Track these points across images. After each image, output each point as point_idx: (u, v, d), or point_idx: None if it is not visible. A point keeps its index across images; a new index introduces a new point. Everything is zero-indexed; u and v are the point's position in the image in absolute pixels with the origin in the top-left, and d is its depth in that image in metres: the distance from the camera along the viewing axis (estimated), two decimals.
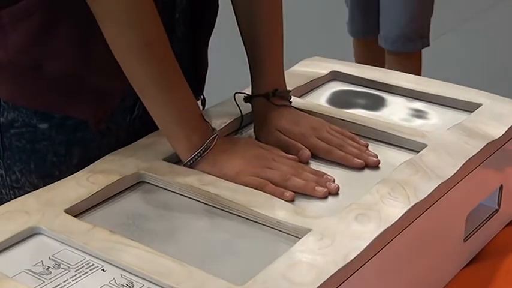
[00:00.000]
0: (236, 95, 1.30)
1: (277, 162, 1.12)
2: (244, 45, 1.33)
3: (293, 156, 1.16)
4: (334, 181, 1.08)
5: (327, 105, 1.30)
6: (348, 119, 1.22)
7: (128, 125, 1.31)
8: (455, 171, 1.05)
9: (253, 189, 1.04)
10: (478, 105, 1.26)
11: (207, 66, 1.46)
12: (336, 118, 1.23)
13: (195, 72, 1.55)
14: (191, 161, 1.11)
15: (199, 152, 1.11)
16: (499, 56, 4.09)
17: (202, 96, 1.72)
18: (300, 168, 1.12)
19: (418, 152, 1.12)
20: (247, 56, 1.33)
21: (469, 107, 1.27)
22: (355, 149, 1.16)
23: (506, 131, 1.18)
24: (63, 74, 1.21)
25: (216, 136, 1.13)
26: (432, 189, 1.00)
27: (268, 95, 1.27)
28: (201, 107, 1.75)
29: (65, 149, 1.24)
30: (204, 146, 1.11)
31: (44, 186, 1.07)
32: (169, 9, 1.34)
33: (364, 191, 1.01)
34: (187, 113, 1.15)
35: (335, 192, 1.05)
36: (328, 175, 1.09)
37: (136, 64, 1.13)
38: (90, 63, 1.22)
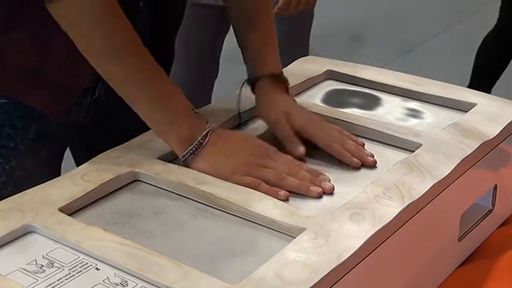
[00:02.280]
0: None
1: (273, 160, 1.12)
2: (239, 34, 1.34)
3: (289, 156, 1.14)
4: (329, 180, 1.07)
5: (322, 105, 1.30)
6: (343, 118, 1.22)
7: (89, 105, 1.34)
8: (449, 171, 1.05)
9: (248, 188, 1.03)
10: (473, 105, 1.26)
11: (173, 59, 1.50)
12: (331, 117, 1.23)
13: (159, 63, 1.56)
14: (184, 158, 1.10)
15: (191, 149, 1.10)
16: None
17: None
18: (296, 166, 1.11)
19: (413, 151, 1.12)
20: (243, 45, 1.33)
21: (464, 107, 1.27)
22: (353, 147, 1.15)
23: (501, 130, 1.18)
24: (23, 66, 1.22)
25: (209, 131, 1.12)
26: (427, 189, 1.00)
27: (275, 76, 1.27)
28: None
29: (22, 123, 1.26)
30: (197, 142, 1.10)
31: None
32: None
33: (358, 190, 1.01)
34: (173, 110, 1.14)
35: (330, 192, 1.04)
36: (324, 174, 1.08)
37: (113, 68, 1.13)
38: (51, 58, 1.23)
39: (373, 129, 1.19)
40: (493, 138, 1.16)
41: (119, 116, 1.33)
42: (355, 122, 1.21)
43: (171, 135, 1.12)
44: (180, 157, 1.11)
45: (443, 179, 1.04)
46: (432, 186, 1.01)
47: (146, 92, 1.13)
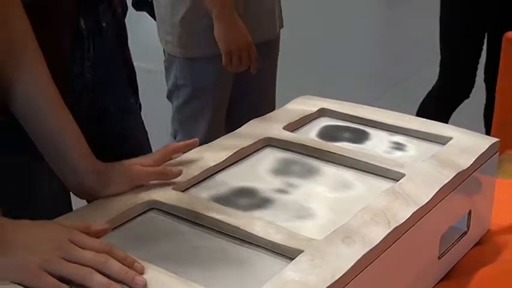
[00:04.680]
0: None
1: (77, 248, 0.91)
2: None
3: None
4: (142, 273, 0.89)
5: (317, 139, 1.31)
6: (335, 151, 1.23)
7: None
8: (430, 198, 1.06)
9: (255, 215, 1.04)
10: (449, 139, 1.27)
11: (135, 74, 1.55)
12: (325, 150, 1.23)
13: (128, 75, 1.57)
14: None
15: None
16: None
17: (138, 102, 1.71)
18: (104, 256, 0.90)
19: (398, 180, 1.12)
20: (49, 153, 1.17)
21: (441, 140, 1.27)
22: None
23: (474, 161, 1.18)
24: None
25: None
26: (410, 214, 1.01)
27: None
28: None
29: None
30: None
31: None
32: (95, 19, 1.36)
33: (350, 216, 1.01)
34: None
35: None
36: (137, 262, 0.90)
37: None
38: None
39: (362, 161, 1.19)
40: (467, 168, 1.16)
41: None
42: (346, 155, 1.21)
43: None
44: None
45: (424, 205, 1.05)
46: (415, 212, 1.02)
47: None
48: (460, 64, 3.00)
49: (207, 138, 2.37)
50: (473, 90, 3.06)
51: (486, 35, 2.99)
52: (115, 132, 1.60)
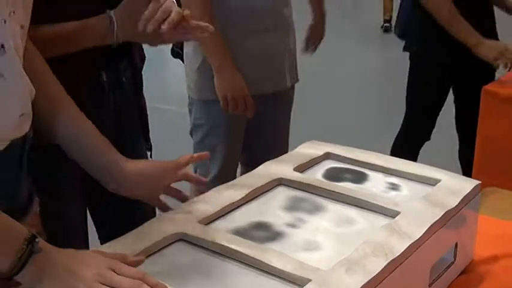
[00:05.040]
0: None
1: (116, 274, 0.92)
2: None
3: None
4: None
5: (322, 179, 1.30)
6: (338, 191, 1.22)
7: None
8: (422, 234, 1.06)
9: (267, 247, 1.03)
10: (438, 181, 1.26)
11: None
12: (330, 190, 1.23)
13: (142, 122, 1.56)
14: (9, 276, 0.90)
15: (19, 264, 0.89)
16: None
17: (149, 143, 1.71)
18: (138, 284, 0.90)
19: (394, 217, 1.12)
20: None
21: (431, 182, 1.27)
22: None
23: (460, 201, 1.18)
24: None
25: (30, 251, 0.90)
26: (405, 248, 1.01)
27: None
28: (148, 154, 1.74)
29: None
30: (21, 262, 0.89)
31: None
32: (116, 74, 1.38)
33: (352, 248, 1.01)
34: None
35: None
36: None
37: None
38: None
39: (363, 200, 1.19)
40: (454, 207, 1.16)
41: None
42: (349, 194, 1.21)
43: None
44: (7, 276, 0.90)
45: (417, 240, 1.04)
46: (409, 245, 1.02)
47: None
48: (423, 114, 2.97)
49: (221, 172, 2.37)
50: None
51: (452, 89, 2.97)
52: None
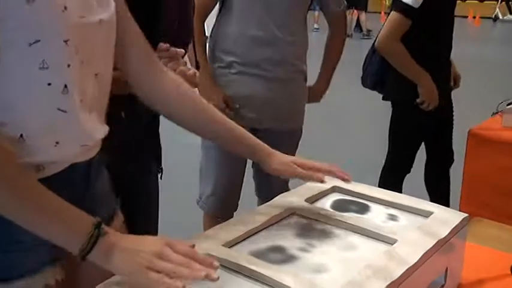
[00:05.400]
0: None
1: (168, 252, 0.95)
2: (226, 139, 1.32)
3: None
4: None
5: (330, 210, 1.30)
6: (344, 220, 1.22)
7: None
8: (417, 259, 1.06)
9: (283, 268, 1.03)
10: (431, 213, 1.26)
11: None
12: (337, 219, 1.23)
13: (157, 148, 1.55)
14: (82, 256, 0.95)
15: (89, 245, 0.94)
16: None
17: (160, 167, 1.71)
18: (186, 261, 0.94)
19: (392, 244, 1.12)
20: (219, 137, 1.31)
21: (425, 214, 1.27)
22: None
23: (450, 231, 1.18)
24: None
25: (97, 234, 0.95)
26: (402, 272, 1.01)
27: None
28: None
29: None
30: (90, 243, 0.94)
31: None
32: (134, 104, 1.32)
33: (356, 271, 1.01)
34: (58, 217, 0.96)
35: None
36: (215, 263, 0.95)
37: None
38: None
39: (365, 228, 1.19)
40: (445, 236, 1.16)
41: None
42: (353, 223, 1.21)
43: (63, 239, 0.97)
44: (77, 255, 0.95)
45: (413, 265, 1.04)
46: (406, 270, 1.02)
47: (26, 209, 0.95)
48: (405, 152, 2.95)
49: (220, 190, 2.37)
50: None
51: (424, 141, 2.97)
52: (132, 187, 1.62)
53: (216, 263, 0.95)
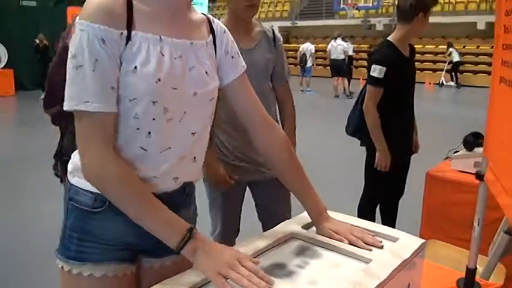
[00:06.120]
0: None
1: (239, 265, 0.99)
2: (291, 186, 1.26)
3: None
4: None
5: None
6: (331, 243, 1.20)
7: None
8: (387, 275, 1.05)
9: (284, 280, 1.01)
10: (398, 238, 1.24)
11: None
12: (326, 242, 1.20)
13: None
14: (177, 250, 1.01)
15: (182, 242, 1.01)
16: None
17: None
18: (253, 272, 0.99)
19: (368, 263, 1.11)
20: (299, 194, 1.25)
21: (393, 239, 1.25)
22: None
23: (412, 253, 1.17)
24: None
25: (189, 237, 1.01)
26: (375, 285, 1.01)
27: (325, 209, 1.27)
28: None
29: None
30: (184, 241, 1.01)
31: None
32: None
33: (340, 285, 1.00)
34: (162, 220, 1.02)
35: None
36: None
37: (127, 208, 1.02)
38: None
39: (348, 250, 1.17)
40: (409, 257, 1.15)
41: None
42: (338, 246, 1.19)
43: (165, 236, 1.02)
44: (175, 248, 1.01)
45: (383, 280, 1.03)
46: (378, 284, 1.01)
47: (141, 209, 1.02)
48: (378, 186, 2.90)
49: (224, 229, 2.19)
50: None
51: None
52: None
53: (272, 281, 0.97)
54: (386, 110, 2.63)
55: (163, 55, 1.05)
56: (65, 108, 1.00)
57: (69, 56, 1.00)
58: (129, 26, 1.02)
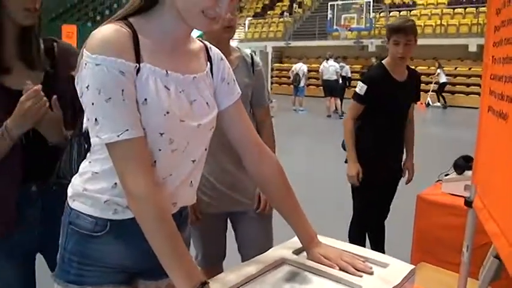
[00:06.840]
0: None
1: None
2: (283, 212, 1.26)
3: None
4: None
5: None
6: (321, 269, 1.20)
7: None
8: None
9: None
10: (388, 264, 1.25)
11: None
12: (315, 268, 1.21)
13: None
14: None
15: None
16: None
17: None
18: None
19: None
20: (290, 219, 1.25)
21: (383, 265, 1.26)
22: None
23: (402, 279, 1.18)
24: None
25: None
26: None
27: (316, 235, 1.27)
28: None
29: None
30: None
31: None
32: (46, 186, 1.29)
33: None
34: (184, 271, 1.00)
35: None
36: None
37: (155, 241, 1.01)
38: None
39: (337, 276, 1.18)
40: (399, 283, 1.16)
41: None
42: (328, 271, 1.20)
43: (180, 278, 1.00)
44: None
45: None
46: None
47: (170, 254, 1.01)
48: (368, 209, 2.91)
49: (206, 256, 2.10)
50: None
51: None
52: None
53: None
54: (363, 126, 2.77)
55: (168, 89, 1.08)
56: (107, 141, 1.01)
57: (90, 91, 1.00)
58: (138, 58, 1.04)
